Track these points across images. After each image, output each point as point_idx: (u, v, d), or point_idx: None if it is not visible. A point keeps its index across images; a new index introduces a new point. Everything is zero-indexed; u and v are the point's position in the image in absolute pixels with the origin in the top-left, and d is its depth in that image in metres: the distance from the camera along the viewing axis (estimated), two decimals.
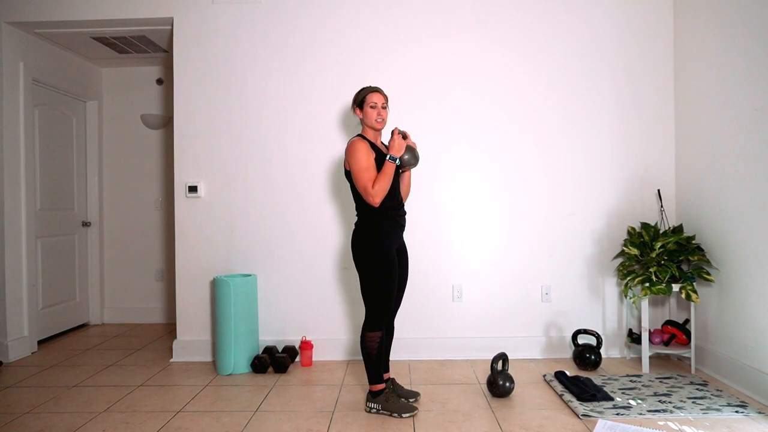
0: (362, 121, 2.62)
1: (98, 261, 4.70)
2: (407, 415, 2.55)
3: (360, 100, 2.59)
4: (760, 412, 2.54)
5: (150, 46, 4.19)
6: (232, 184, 3.59)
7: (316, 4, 3.57)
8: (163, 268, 4.80)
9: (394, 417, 2.55)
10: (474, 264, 3.56)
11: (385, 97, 2.61)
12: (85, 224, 4.61)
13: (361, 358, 3.51)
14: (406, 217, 2.72)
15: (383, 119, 2.57)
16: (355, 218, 2.64)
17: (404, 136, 2.55)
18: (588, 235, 3.55)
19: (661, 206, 3.48)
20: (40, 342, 4.03)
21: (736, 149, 2.90)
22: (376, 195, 2.44)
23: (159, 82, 4.79)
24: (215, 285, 3.28)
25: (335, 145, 3.56)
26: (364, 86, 2.67)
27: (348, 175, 2.57)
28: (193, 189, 3.56)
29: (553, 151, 3.55)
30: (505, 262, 3.56)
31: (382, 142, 2.70)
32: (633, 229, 3.41)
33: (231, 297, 3.23)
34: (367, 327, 2.55)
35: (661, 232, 3.39)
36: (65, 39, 4.03)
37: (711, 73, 3.13)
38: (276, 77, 3.58)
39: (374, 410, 2.60)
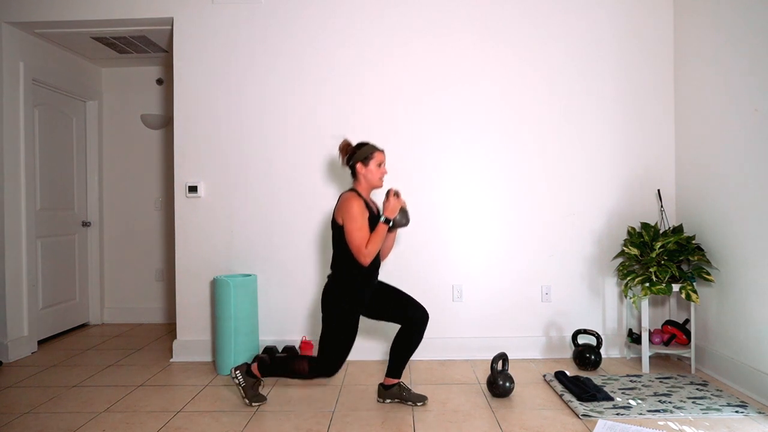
0: (359, 175, 2.60)
1: (98, 261, 4.70)
2: (256, 404, 2.72)
3: (365, 156, 2.57)
4: (760, 412, 2.54)
5: (150, 46, 4.19)
6: (232, 184, 3.59)
7: (316, 3, 3.57)
8: (163, 268, 4.80)
9: (246, 403, 2.73)
10: (474, 264, 3.56)
11: (385, 156, 2.66)
12: (85, 224, 4.61)
13: (361, 357, 3.54)
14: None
15: (383, 177, 2.66)
16: (329, 270, 2.68)
17: (397, 196, 2.56)
18: (588, 235, 3.55)
19: (661, 206, 3.48)
20: (40, 342, 4.04)
21: (736, 149, 2.90)
22: (369, 255, 2.47)
23: (159, 82, 4.79)
24: (215, 285, 3.28)
25: (335, 145, 3.56)
26: (365, 143, 2.63)
27: (335, 226, 2.57)
28: (193, 189, 3.56)
29: (553, 151, 3.55)
30: (505, 262, 3.56)
31: (371, 199, 2.73)
32: (633, 229, 3.41)
33: (231, 297, 3.23)
34: (317, 372, 2.59)
35: (661, 232, 3.39)
36: (65, 39, 4.03)
37: (711, 73, 3.13)
38: (276, 77, 3.58)
39: (236, 379, 2.71)
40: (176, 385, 3.08)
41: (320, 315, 3.57)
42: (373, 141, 3.50)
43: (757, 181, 2.74)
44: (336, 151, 3.57)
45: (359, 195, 2.56)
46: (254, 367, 2.70)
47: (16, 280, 3.71)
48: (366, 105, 3.56)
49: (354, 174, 2.63)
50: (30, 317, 3.80)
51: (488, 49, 3.55)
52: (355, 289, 2.56)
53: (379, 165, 2.59)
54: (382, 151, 2.62)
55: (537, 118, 3.55)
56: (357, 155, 2.59)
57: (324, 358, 2.57)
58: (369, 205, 2.60)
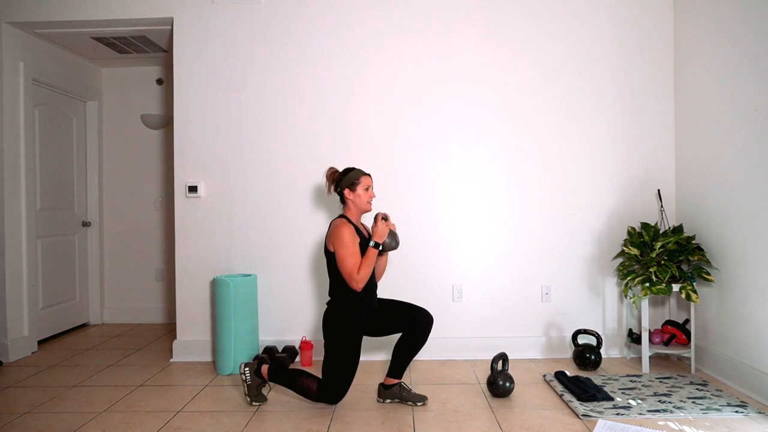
0: (348, 201, 2.64)
1: (98, 261, 4.70)
2: (256, 404, 2.72)
3: (352, 182, 2.62)
4: (760, 412, 2.54)
5: (150, 46, 4.19)
6: (232, 184, 3.59)
7: (316, 3, 3.57)
8: (163, 268, 4.80)
9: (247, 401, 2.72)
10: (474, 264, 3.56)
11: (372, 180, 2.70)
12: (85, 224, 4.61)
13: (361, 357, 3.52)
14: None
15: (371, 201, 2.68)
16: (328, 297, 2.69)
17: (385, 220, 2.59)
18: (588, 235, 3.55)
19: (661, 206, 3.48)
20: (40, 342, 4.03)
21: (736, 149, 2.90)
22: (360, 281, 2.50)
23: (159, 82, 4.79)
24: (215, 285, 3.28)
25: (335, 144, 3.56)
26: (351, 168, 2.68)
27: (327, 253, 2.61)
28: (193, 189, 3.56)
29: (553, 151, 3.56)
30: (506, 262, 3.56)
31: (362, 223, 2.76)
32: (633, 229, 3.41)
33: (231, 297, 3.23)
34: (321, 397, 2.60)
35: (661, 232, 3.39)
36: (65, 39, 4.03)
37: (711, 73, 3.13)
38: (276, 77, 3.58)
39: (243, 375, 2.70)
40: (176, 385, 3.08)
41: (320, 315, 3.57)
42: (369, 147, 3.53)
43: (757, 181, 2.74)
44: (337, 150, 3.57)
45: (349, 221, 2.60)
46: (264, 369, 2.69)
47: (16, 280, 3.71)
48: (365, 105, 3.56)
49: (342, 200, 2.68)
50: (30, 317, 3.80)
51: (488, 49, 3.55)
52: (354, 314, 2.59)
53: (366, 189, 2.64)
54: (368, 175, 2.67)
55: (537, 118, 3.55)
56: (344, 181, 2.64)
57: (328, 384, 2.59)
58: (359, 230, 2.63)
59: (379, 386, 2.78)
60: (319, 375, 3.23)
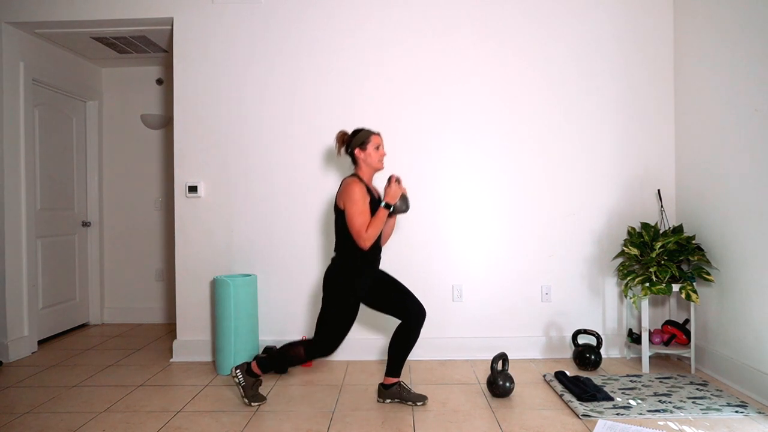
0: (359, 161, 2.64)
1: (98, 261, 4.70)
2: (255, 404, 2.71)
3: (362, 141, 2.62)
4: (760, 412, 2.54)
5: (150, 46, 4.19)
6: (232, 184, 3.59)
7: (316, 4, 3.57)
8: (163, 268, 4.80)
9: (245, 402, 2.73)
10: (474, 264, 3.56)
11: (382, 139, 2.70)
12: (85, 224, 4.61)
13: (361, 357, 3.54)
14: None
15: (383, 159, 2.67)
16: (333, 253, 2.68)
17: (398, 182, 2.60)
18: (588, 235, 3.55)
19: (661, 206, 3.48)
20: (40, 342, 4.04)
21: (737, 149, 2.90)
22: (369, 239, 2.50)
23: (159, 82, 4.79)
24: (215, 285, 3.28)
25: (335, 145, 3.56)
26: (361, 128, 2.68)
27: (337, 210, 2.61)
28: (193, 189, 3.56)
29: (553, 151, 3.55)
30: (506, 262, 3.56)
31: (373, 186, 2.75)
32: (633, 229, 3.41)
33: (231, 297, 3.23)
34: (314, 354, 2.60)
35: (661, 232, 3.39)
36: (65, 39, 4.03)
37: (711, 73, 3.13)
38: (276, 77, 3.58)
39: (236, 378, 2.71)
40: (176, 385, 3.08)
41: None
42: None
43: (757, 181, 2.74)
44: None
45: (360, 180, 2.59)
46: (254, 365, 2.70)
47: (16, 280, 3.71)
48: (365, 105, 3.56)
49: (354, 160, 2.66)
50: (30, 317, 3.80)
51: (488, 49, 3.55)
52: (357, 274, 2.59)
53: (377, 148, 2.63)
54: (378, 134, 2.66)
55: (537, 118, 3.55)
56: (354, 141, 2.63)
57: (321, 339, 2.59)
58: (370, 190, 2.62)
59: (378, 386, 2.78)
60: (320, 375, 3.24)
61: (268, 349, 3.43)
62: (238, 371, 2.71)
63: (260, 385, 2.80)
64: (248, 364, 2.73)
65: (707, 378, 3.08)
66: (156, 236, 4.81)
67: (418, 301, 2.68)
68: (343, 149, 2.69)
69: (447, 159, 3.56)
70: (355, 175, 2.64)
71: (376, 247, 2.66)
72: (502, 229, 3.56)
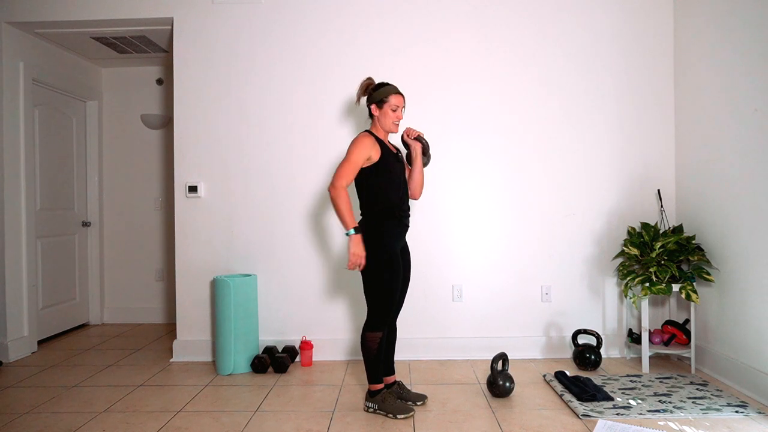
0: (374, 117, 2.56)
1: (98, 261, 4.70)
2: (402, 416, 2.53)
3: (380, 99, 2.51)
4: (760, 412, 2.54)
5: (150, 46, 4.19)
6: (232, 184, 3.59)
7: (317, 3, 3.57)
8: (163, 268, 4.80)
9: (390, 418, 2.55)
10: (474, 264, 3.56)
11: (404, 100, 2.57)
12: (85, 224, 4.61)
13: (362, 358, 3.53)
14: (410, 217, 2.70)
15: (399, 123, 2.54)
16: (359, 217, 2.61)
17: (420, 138, 2.59)
18: (588, 235, 3.55)
19: (661, 206, 3.48)
20: (40, 342, 4.04)
21: (736, 149, 2.90)
22: (338, 188, 2.39)
23: (159, 82, 4.79)
24: (215, 285, 3.28)
25: (335, 145, 3.56)
26: (385, 83, 2.56)
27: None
28: (193, 189, 3.56)
29: (553, 151, 3.55)
30: (505, 262, 3.56)
31: (389, 142, 2.66)
32: (633, 229, 3.41)
33: (231, 297, 3.23)
34: (369, 327, 2.52)
35: (661, 232, 3.39)
36: (65, 39, 4.03)
37: (711, 73, 3.13)
38: (276, 77, 3.58)
39: (371, 410, 2.60)
40: (176, 385, 3.08)
41: (320, 315, 3.57)
42: None
43: (757, 181, 2.74)
44: (337, 150, 3.57)
45: (372, 135, 2.51)
46: (370, 388, 2.60)
47: (16, 280, 3.71)
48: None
49: (370, 115, 2.58)
50: (30, 317, 3.80)
51: (488, 49, 3.55)
52: (382, 231, 2.48)
53: (395, 110, 2.51)
54: (399, 94, 2.52)
55: (537, 118, 3.55)
56: (374, 95, 2.53)
57: (372, 310, 2.50)
58: (386, 145, 2.54)
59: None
60: (320, 376, 3.24)
61: (269, 349, 3.43)
62: (366, 404, 2.61)
63: (394, 395, 2.67)
64: (367, 392, 2.63)
65: (707, 378, 3.08)
66: (156, 236, 4.81)
67: (398, 312, 2.67)
68: (363, 99, 2.56)
69: (447, 158, 3.56)
70: (368, 131, 2.55)
71: (398, 202, 2.52)
72: (503, 229, 3.56)
